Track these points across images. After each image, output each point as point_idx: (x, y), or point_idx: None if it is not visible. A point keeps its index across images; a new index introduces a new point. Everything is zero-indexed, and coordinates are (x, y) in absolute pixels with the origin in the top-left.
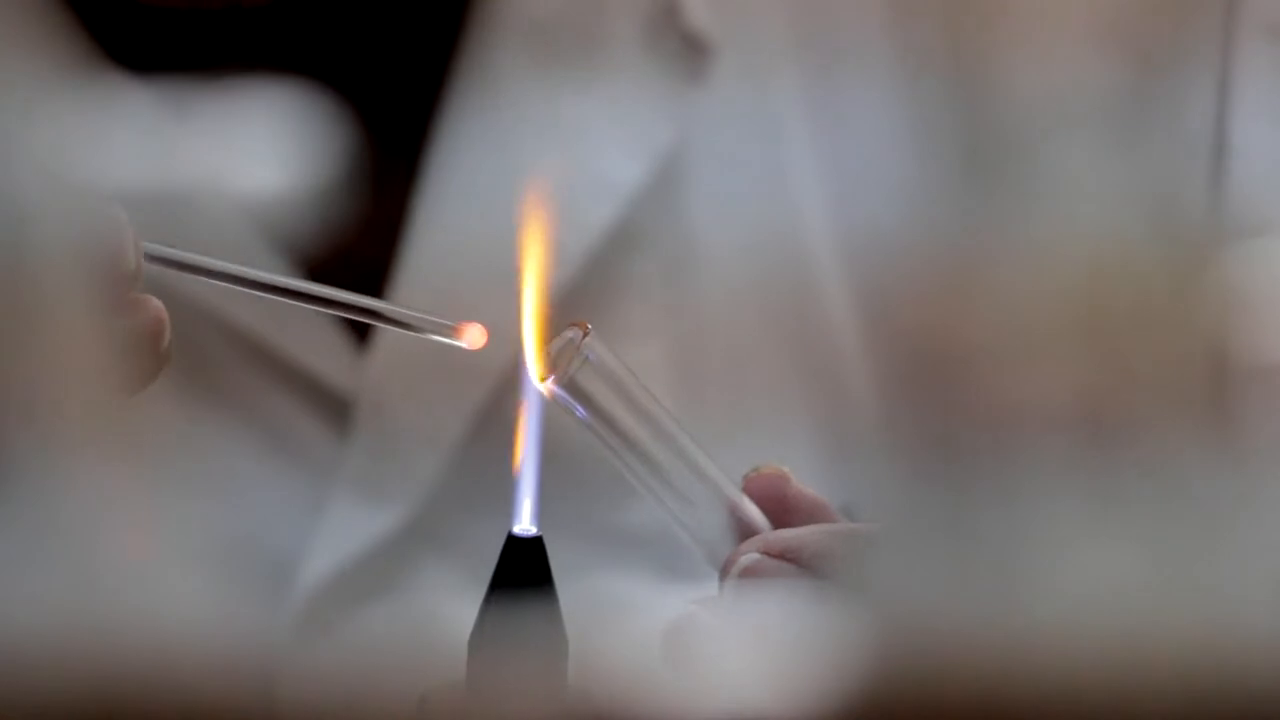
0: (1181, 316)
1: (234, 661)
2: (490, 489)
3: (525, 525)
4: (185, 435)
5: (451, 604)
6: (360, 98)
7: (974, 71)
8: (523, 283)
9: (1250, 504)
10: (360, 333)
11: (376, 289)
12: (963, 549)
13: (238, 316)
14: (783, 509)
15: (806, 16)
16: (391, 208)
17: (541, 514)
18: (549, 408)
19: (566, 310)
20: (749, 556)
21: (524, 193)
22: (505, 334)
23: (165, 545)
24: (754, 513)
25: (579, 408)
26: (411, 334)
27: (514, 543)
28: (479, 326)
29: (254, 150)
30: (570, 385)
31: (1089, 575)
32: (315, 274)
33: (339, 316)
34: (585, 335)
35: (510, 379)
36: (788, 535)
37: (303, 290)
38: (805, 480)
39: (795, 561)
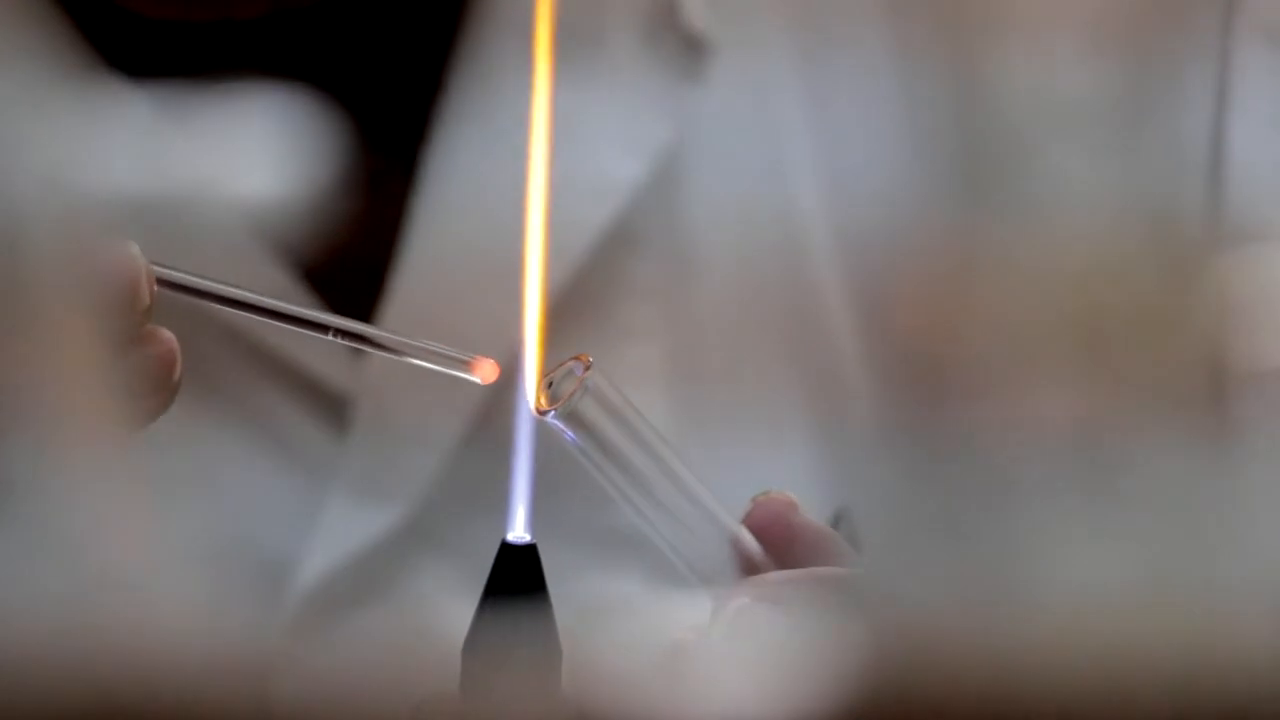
0: (1178, 321)
1: (229, 662)
2: (487, 490)
3: (519, 533)
4: (181, 434)
5: (448, 604)
6: (356, 100)
7: (971, 74)
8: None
9: (1246, 508)
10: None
11: (374, 292)
12: (958, 553)
13: (235, 316)
14: (787, 537)
15: (805, 17)
16: (389, 210)
17: (536, 516)
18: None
19: (565, 310)
20: (740, 602)
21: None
22: (503, 335)
23: (161, 545)
24: (752, 545)
25: (577, 439)
26: (424, 362)
27: (508, 550)
28: (491, 361)
29: (251, 155)
30: (571, 418)
31: (1085, 580)
32: (313, 278)
33: (354, 345)
34: (588, 368)
35: (508, 380)
36: (780, 582)
37: (321, 321)
38: (801, 481)
39: (785, 608)
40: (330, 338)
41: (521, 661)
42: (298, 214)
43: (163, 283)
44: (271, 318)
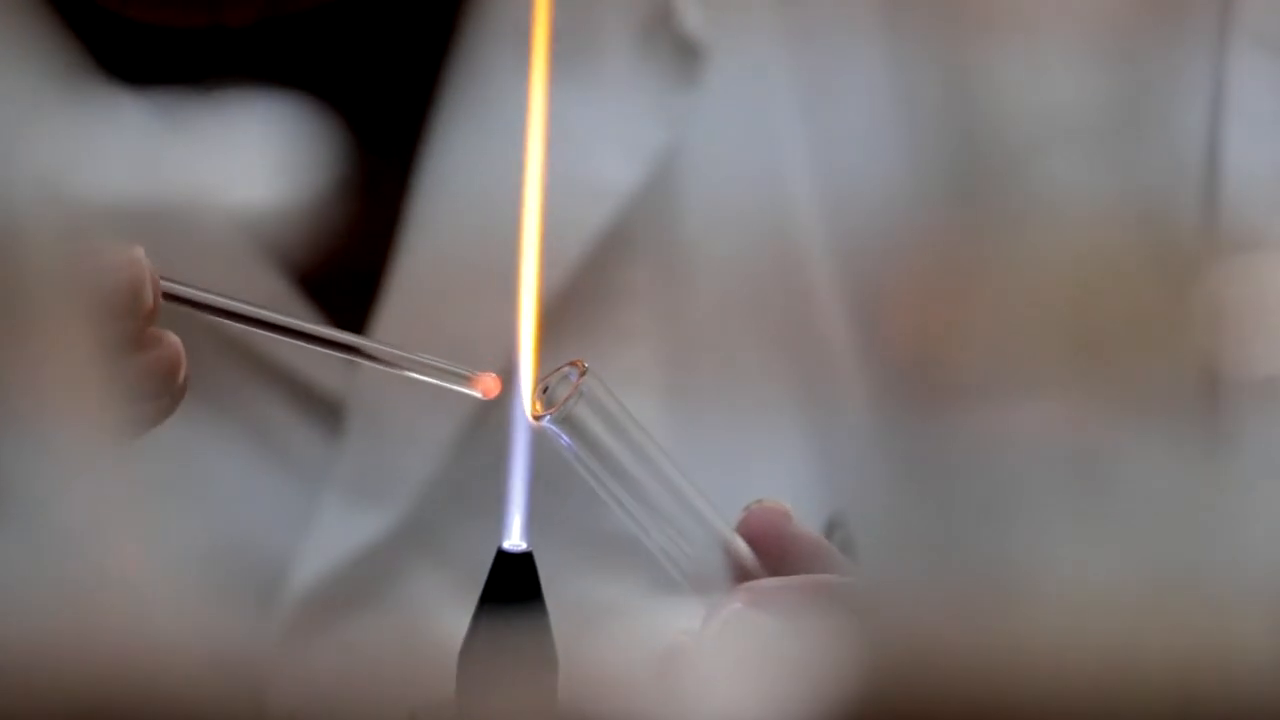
0: (1172, 327)
1: (224, 666)
2: (481, 494)
3: (515, 540)
4: (176, 438)
5: (442, 609)
6: (351, 105)
7: (967, 80)
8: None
9: (1240, 514)
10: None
11: (369, 297)
12: (953, 558)
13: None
14: (781, 546)
15: (800, 22)
16: (384, 215)
17: (531, 520)
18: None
19: (560, 314)
20: (731, 608)
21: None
22: (499, 340)
23: (154, 550)
24: (745, 552)
25: (572, 444)
26: (426, 378)
27: (504, 558)
28: (493, 375)
29: (246, 161)
30: (566, 423)
31: (1080, 585)
32: (308, 283)
33: (359, 360)
34: (583, 374)
35: (503, 384)
36: (773, 589)
37: (324, 336)
38: (796, 485)
39: (779, 613)
40: (332, 352)
41: (517, 669)
42: (292, 220)
43: (166, 296)
44: (275, 332)
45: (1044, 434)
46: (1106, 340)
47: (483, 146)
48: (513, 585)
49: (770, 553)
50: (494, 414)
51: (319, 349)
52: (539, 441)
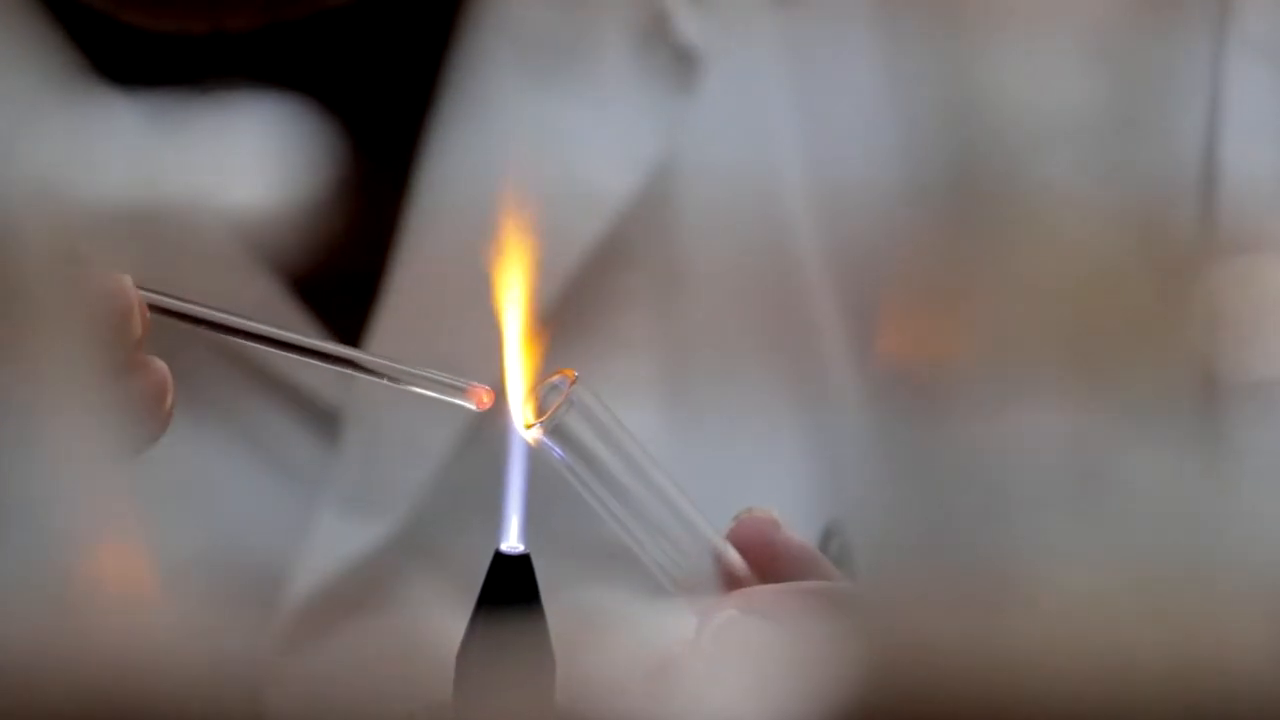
0: (1170, 331)
1: (222, 673)
2: (478, 502)
3: (513, 543)
4: (173, 447)
5: (440, 617)
6: (349, 111)
7: (964, 87)
8: (503, 319)
9: (1238, 518)
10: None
11: (365, 303)
12: (950, 564)
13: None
14: (770, 555)
15: (796, 29)
16: (381, 221)
17: (528, 528)
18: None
19: (556, 322)
20: (726, 614)
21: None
22: (494, 348)
23: (153, 557)
24: (736, 561)
25: (563, 454)
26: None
27: (501, 560)
28: (486, 388)
29: (242, 166)
30: (556, 432)
31: (1078, 590)
32: (303, 289)
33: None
34: (573, 383)
35: (499, 392)
36: (767, 595)
37: (319, 349)
38: (793, 493)
39: (773, 620)
40: (327, 365)
41: (515, 673)
42: (289, 224)
43: (157, 309)
44: (271, 346)
45: (1041, 437)
46: (1104, 343)
47: (480, 152)
48: (510, 587)
49: (760, 561)
50: (490, 423)
51: (314, 362)
52: (535, 450)
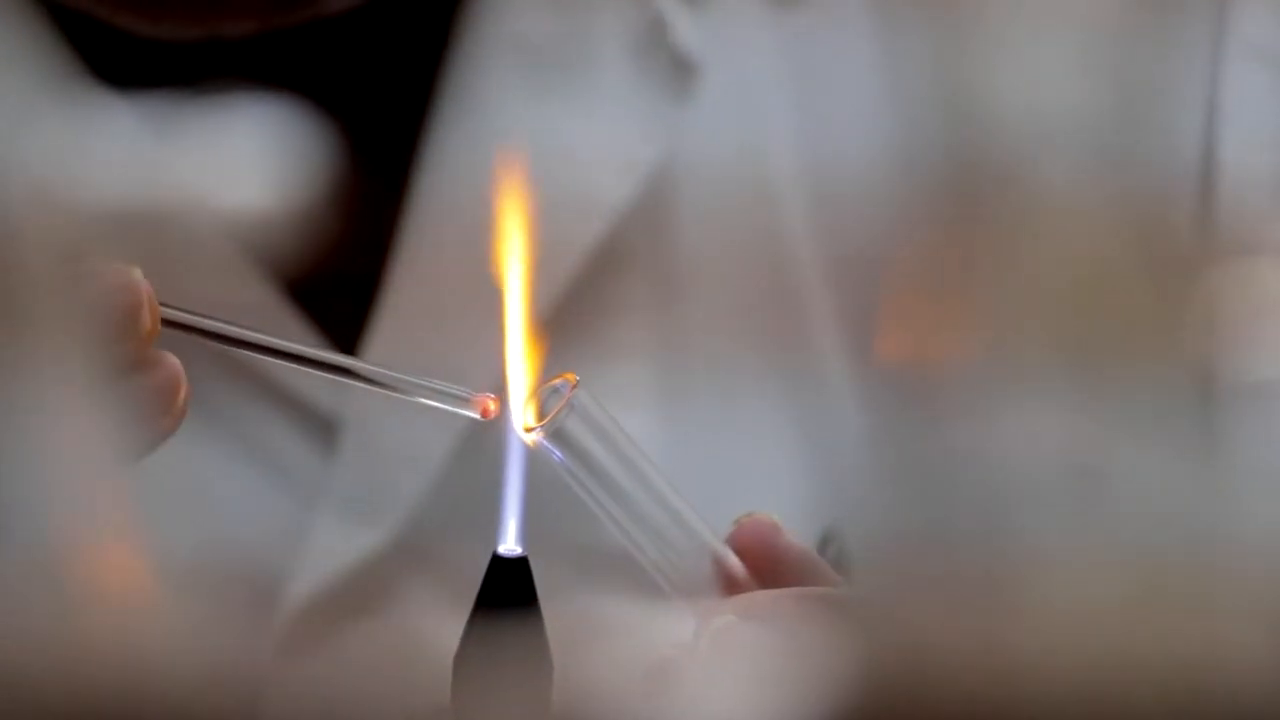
0: (1168, 333)
1: (218, 680)
2: (475, 509)
3: (510, 545)
4: (171, 454)
5: (436, 623)
6: (347, 115)
7: (962, 91)
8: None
9: (1236, 520)
10: (346, 352)
11: (363, 309)
12: (948, 569)
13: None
14: (770, 559)
15: (793, 35)
16: (378, 226)
17: (527, 532)
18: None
19: (554, 328)
20: (725, 619)
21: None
22: (493, 353)
23: (150, 563)
24: (735, 565)
25: (563, 457)
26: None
27: (499, 562)
28: (491, 396)
29: (239, 168)
30: (557, 436)
31: (1075, 593)
32: (300, 293)
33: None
34: (574, 387)
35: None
36: (766, 601)
37: (325, 360)
38: (790, 498)
39: (771, 625)
40: (332, 377)
41: (513, 674)
42: (286, 228)
43: (164, 323)
44: (275, 357)
45: (1038, 439)
46: (1101, 345)
47: (477, 157)
48: (508, 590)
49: (760, 566)
50: (487, 430)
51: (321, 375)
52: (533, 452)
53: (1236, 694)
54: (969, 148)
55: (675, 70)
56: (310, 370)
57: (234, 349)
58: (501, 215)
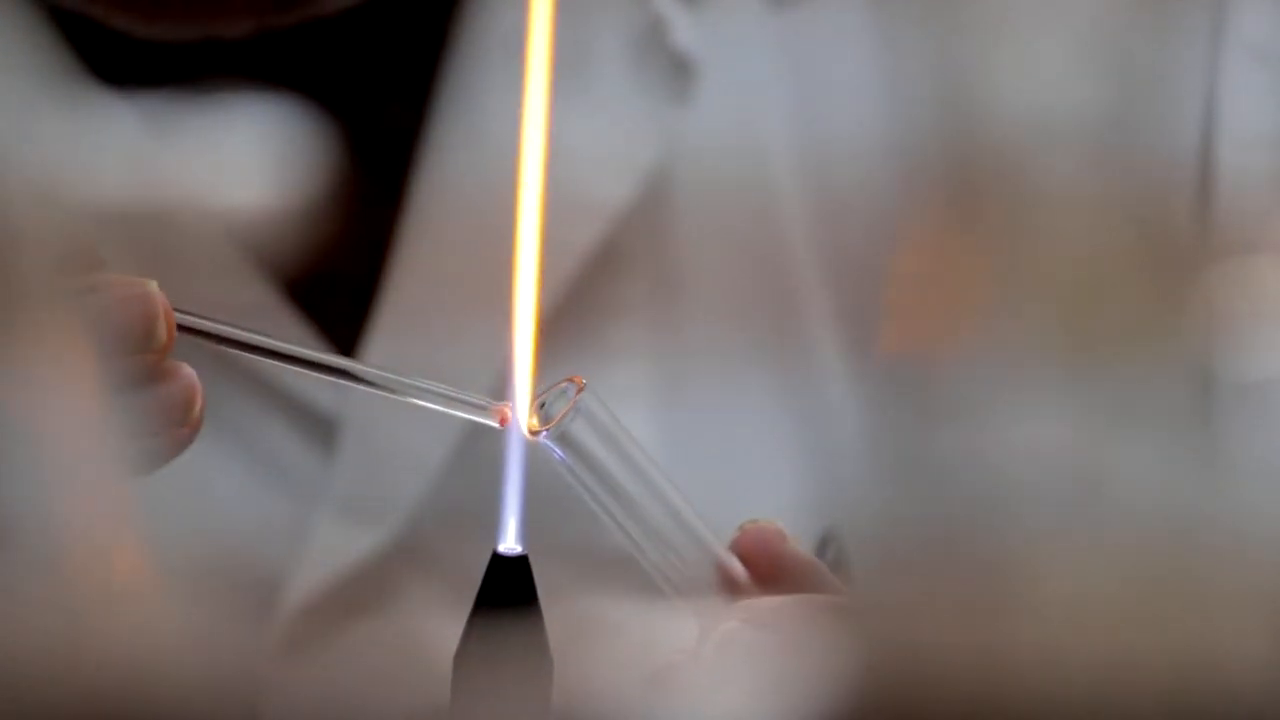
0: (1166, 333)
1: (218, 681)
2: (475, 509)
3: (510, 544)
4: None
5: (436, 623)
6: (345, 115)
7: (961, 92)
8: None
9: (1236, 521)
10: (346, 352)
11: (362, 308)
12: (948, 571)
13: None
14: (774, 565)
15: (792, 36)
16: (377, 226)
17: (528, 534)
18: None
19: (552, 330)
20: (728, 625)
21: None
22: (493, 354)
23: (150, 564)
24: (739, 571)
25: (568, 460)
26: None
27: (499, 561)
28: (509, 404)
29: (238, 167)
30: (562, 439)
31: (1076, 595)
32: (299, 294)
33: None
34: (580, 390)
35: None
36: (770, 607)
37: (340, 367)
38: (789, 500)
39: (775, 631)
40: (350, 384)
41: (512, 674)
42: (285, 228)
43: (179, 328)
44: (292, 364)
45: (1037, 439)
46: (1100, 344)
47: (476, 158)
48: (508, 589)
49: (763, 572)
50: (487, 431)
51: (334, 380)
52: (534, 453)
53: (1236, 693)
54: (967, 146)
55: (674, 72)
56: (335, 380)
57: (247, 355)
58: (516, 215)
